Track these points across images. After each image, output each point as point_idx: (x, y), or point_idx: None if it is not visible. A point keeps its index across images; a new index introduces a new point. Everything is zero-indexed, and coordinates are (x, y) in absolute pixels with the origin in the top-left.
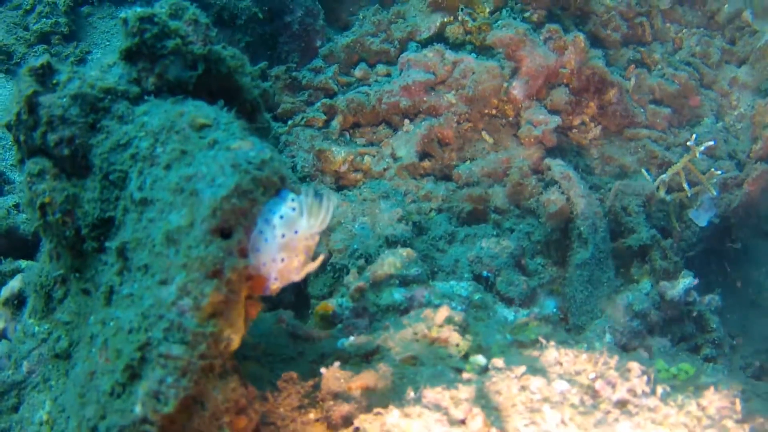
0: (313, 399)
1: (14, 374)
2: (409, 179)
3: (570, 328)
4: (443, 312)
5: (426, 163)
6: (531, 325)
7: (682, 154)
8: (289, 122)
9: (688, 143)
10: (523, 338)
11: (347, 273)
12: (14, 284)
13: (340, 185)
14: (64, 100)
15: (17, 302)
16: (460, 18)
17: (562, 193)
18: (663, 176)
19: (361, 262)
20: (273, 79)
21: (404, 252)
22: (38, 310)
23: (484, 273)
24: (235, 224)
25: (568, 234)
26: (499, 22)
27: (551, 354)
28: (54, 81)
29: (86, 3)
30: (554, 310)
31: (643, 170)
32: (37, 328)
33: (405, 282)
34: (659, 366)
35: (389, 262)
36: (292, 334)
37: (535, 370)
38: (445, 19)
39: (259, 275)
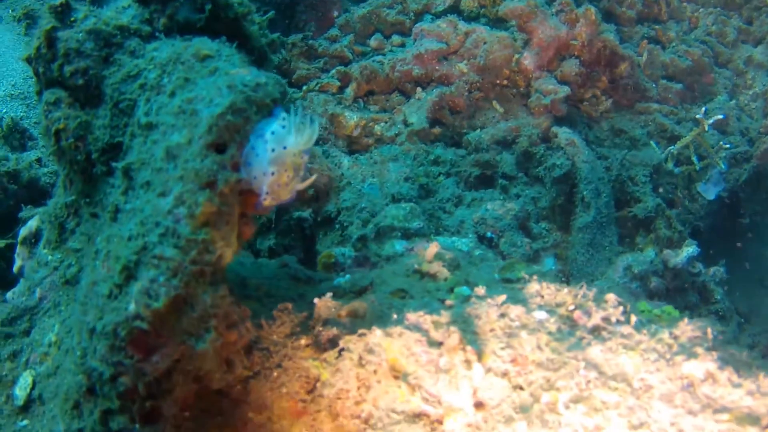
0: (305, 327)
1: (27, 300)
2: (420, 144)
3: None
4: (433, 248)
5: (436, 130)
6: (518, 264)
7: (692, 129)
8: (304, 87)
9: (697, 116)
10: (510, 275)
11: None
12: (32, 223)
13: (352, 149)
14: (81, 35)
15: (34, 240)
16: None
17: (568, 158)
18: (671, 148)
19: (366, 216)
20: (290, 46)
21: (407, 206)
22: (52, 241)
23: (488, 234)
24: (230, 140)
25: (572, 200)
26: None
27: (533, 287)
28: (72, 18)
29: None
30: (552, 267)
31: (651, 142)
32: (50, 257)
33: (407, 235)
34: (642, 306)
35: (392, 215)
36: (294, 277)
37: (517, 300)
38: None
39: (251, 191)
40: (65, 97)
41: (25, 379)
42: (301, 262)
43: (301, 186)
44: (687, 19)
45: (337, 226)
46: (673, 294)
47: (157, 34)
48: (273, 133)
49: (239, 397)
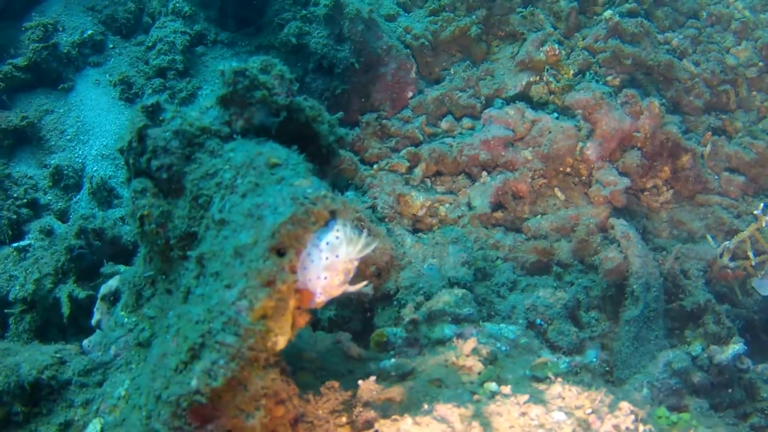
0: (348, 406)
1: (103, 356)
2: (481, 228)
3: (613, 381)
4: (470, 343)
5: (498, 214)
6: (549, 363)
7: (751, 223)
8: (375, 166)
9: (755, 212)
10: (539, 374)
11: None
12: (112, 283)
13: (416, 228)
14: (168, 134)
15: (113, 299)
16: (544, 78)
17: (621, 251)
18: (727, 243)
19: (421, 298)
20: (364, 125)
21: (459, 292)
22: (129, 305)
23: (538, 321)
24: (289, 246)
25: (623, 291)
26: (580, 84)
27: (556, 389)
28: (161, 118)
29: (201, 43)
30: (594, 359)
31: (708, 236)
32: (126, 320)
33: (457, 320)
34: (659, 413)
35: (444, 300)
36: (346, 353)
37: (539, 400)
38: (531, 79)
39: (306, 290)
40: (151, 187)
41: (95, 426)
42: (358, 334)
43: (352, 289)
44: (756, 108)
45: (395, 302)
46: (718, 389)
47: (234, 135)
48: (328, 243)
49: None
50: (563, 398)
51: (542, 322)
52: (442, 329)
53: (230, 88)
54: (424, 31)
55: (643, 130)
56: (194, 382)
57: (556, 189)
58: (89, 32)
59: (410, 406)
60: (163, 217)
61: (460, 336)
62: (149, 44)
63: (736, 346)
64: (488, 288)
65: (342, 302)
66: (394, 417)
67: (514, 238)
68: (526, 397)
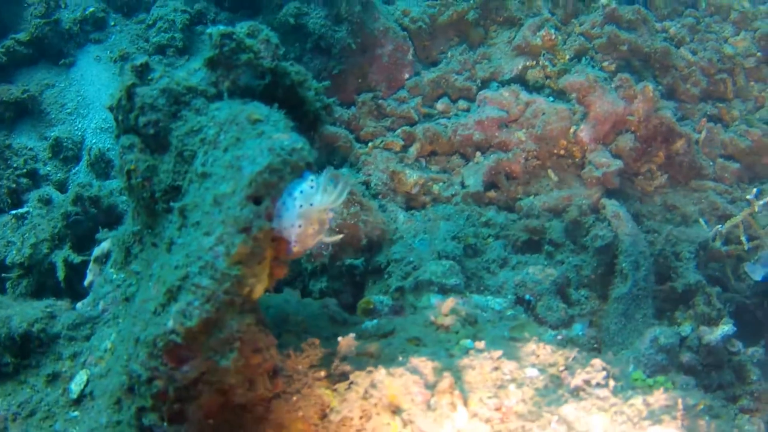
0: (328, 362)
1: (91, 311)
2: (473, 206)
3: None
4: (449, 303)
5: (491, 194)
6: (528, 326)
7: (744, 209)
8: (370, 144)
9: (748, 197)
10: (517, 335)
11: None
12: (105, 245)
13: (410, 206)
14: (155, 92)
15: (105, 260)
16: (541, 63)
17: (611, 230)
18: (719, 227)
19: (410, 269)
20: (360, 104)
21: (447, 263)
22: (118, 262)
23: (527, 296)
24: (265, 194)
25: (613, 270)
26: (575, 68)
27: (530, 346)
28: (150, 77)
29: (200, 22)
30: (581, 333)
31: (700, 219)
32: (114, 276)
33: (443, 289)
34: (635, 375)
35: (431, 270)
36: (332, 318)
37: (512, 356)
38: (528, 63)
39: (281, 238)
40: (138, 143)
41: (81, 377)
42: (348, 306)
43: (327, 240)
44: (753, 98)
45: (385, 276)
46: (707, 370)
47: (220, 95)
48: (302, 192)
49: (261, 415)
50: (537, 355)
51: (531, 298)
52: (428, 298)
53: (217, 50)
54: (421, 14)
55: (637, 113)
56: (170, 323)
57: (549, 170)
58: (91, 9)
59: (386, 361)
60: (149, 171)
61: (460, 306)
62: (150, 22)
63: (725, 327)
64: (478, 264)
65: (333, 275)
66: (369, 369)
67: (506, 216)
68: (499, 353)
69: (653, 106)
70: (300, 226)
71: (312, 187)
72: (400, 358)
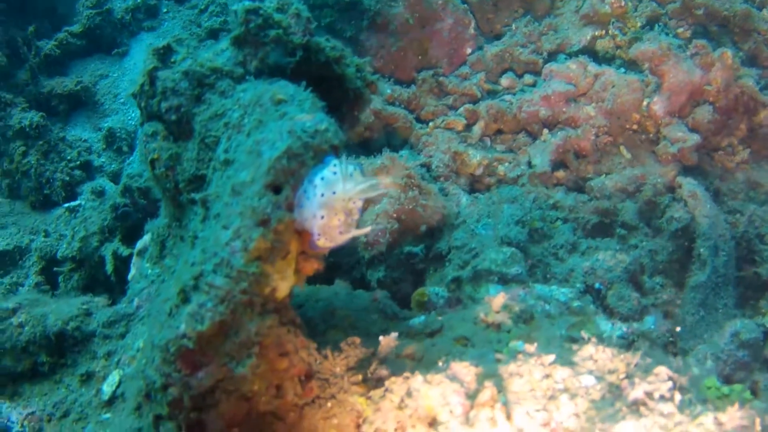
0: (367, 363)
1: (126, 308)
2: (540, 187)
3: (676, 352)
4: (500, 299)
5: (560, 173)
6: (590, 323)
7: None
8: (431, 123)
9: None
10: (575, 334)
11: None
12: (146, 237)
13: (473, 188)
14: (177, 75)
15: (146, 253)
16: (610, 32)
17: (688, 212)
18: None
19: (469, 257)
20: (420, 82)
21: (508, 250)
22: (153, 256)
23: (597, 285)
24: (285, 182)
25: (690, 255)
26: (647, 35)
27: (588, 350)
28: (172, 60)
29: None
30: (652, 326)
31: None
32: (150, 271)
33: (504, 279)
34: (709, 383)
35: (491, 258)
36: (382, 312)
37: (567, 361)
38: (596, 33)
39: (305, 230)
40: (161, 130)
41: (114, 377)
42: (407, 297)
43: (358, 232)
44: None
45: (446, 263)
46: None
47: (248, 76)
48: (323, 178)
49: (293, 422)
50: (595, 360)
51: (601, 286)
52: (487, 289)
53: (243, 28)
54: None
55: (715, 83)
56: (182, 326)
57: (621, 147)
58: None
59: (427, 364)
60: (172, 160)
61: (512, 300)
62: (202, 7)
63: None
64: (545, 249)
65: (392, 263)
66: (405, 374)
67: (575, 198)
68: (551, 357)
69: (733, 74)
70: (323, 217)
71: (335, 173)
72: (440, 363)
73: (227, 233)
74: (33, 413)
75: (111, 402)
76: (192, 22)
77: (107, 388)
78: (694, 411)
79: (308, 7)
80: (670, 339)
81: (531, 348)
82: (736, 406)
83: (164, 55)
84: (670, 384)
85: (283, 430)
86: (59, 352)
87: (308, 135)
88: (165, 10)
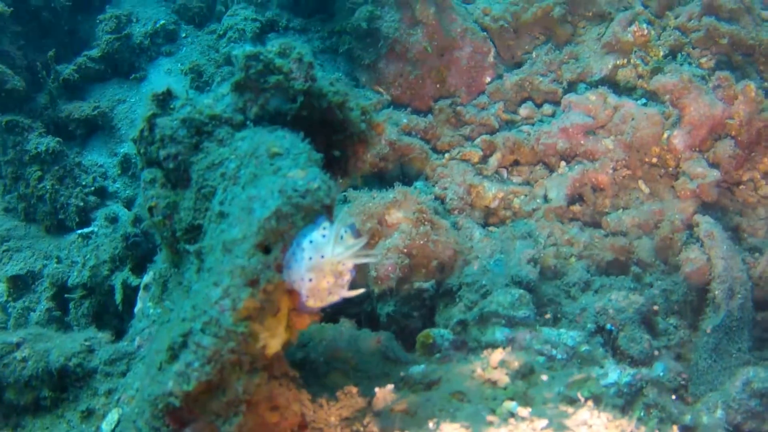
0: (363, 414)
1: (128, 346)
2: (556, 222)
3: (688, 397)
4: (498, 355)
5: (576, 208)
6: (589, 381)
7: None
8: (446, 155)
9: None
10: (571, 393)
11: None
12: (150, 275)
13: (488, 221)
14: (175, 122)
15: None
16: (632, 61)
17: (704, 252)
18: None
19: (477, 297)
20: (437, 111)
21: (516, 292)
22: (156, 296)
23: (608, 326)
24: (274, 242)
25: (705, 296)
26: (668, 67)
27: (582, 414)
28: (172, 106)
29: (272, 30)
30: (662, 372)
31: None
32: (151, 311)
33: (511, 322)
34: None
35: (498, 301)
36: (385, 354)
37: (560, 426)
38: (618, 62)
39: (293, 290)
40: (160, 177)
41: (113, 416)
42: (416, 333)
43: (349, 294)
44: None
45: (457, 299)
46: None
47: (247, 122)
48: (311, 242)
49: None
50: (589, 426)
51: (612, 328)
52: (493, 332)
53: (243, 73)
54: (503, 12)
55: (738, 116)
56: (170, 384)
57: (640, 181)
58: (162, 22)
59: (421, 421)
60: (170, 208)
61: (512, 341)
62: (220, 32)
63: None
64: (557, 288)
65: (403, 298)
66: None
67: (590, 234)
68: (544, 422)
69: (757, 108)
70: (311, 280)
71: (324, 236)
72: (431, 425)
73: (217, 291)
74: None
75: None
76: (210, 47)
77: (106, 427)
78: None
79: (327, 33)
80: (681, 383)
81: (524, 412)
82: None
83: (164, 101)
84: None
85: None
86: (61, 387)
87: (299, 195)
88: (184, 35)
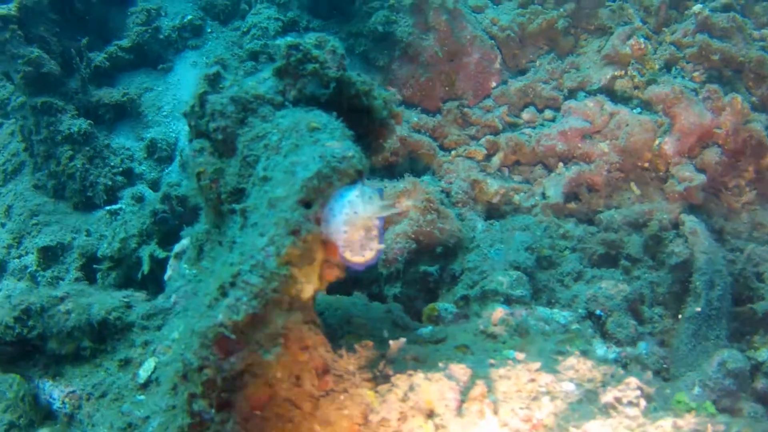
0: (377, 363)
1: (164, 303)
2: (552, 217)
3: (668, 378)
4: (498, 313)
5: (572, 205)
6: (577, 340)
7: None
8: (452, 152)
9: None
10: (561, 348)
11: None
12: (184, 242)
13: (489, 215)
14: (225, 99)
15: (183, 256)
16: (629, 72)
17: (687, 247)
18: None
19: (478, 278)
20: (445, 112)
21: (514, 274)
22: (191, 258)
23: (598, 311)
24: (314, 199)
25: (688, 288)
26: (661, 78)
27: (570, 361)
28: (221, 85)
29: (293, 30)
30: (644, 351)
31: None
32: (187, 272)
33: (509, 300)
34: (679, 398)
35: (498, 281)
36: (394, 322)
37: (551, 369)
38: (616, 73)
39: (330, 241)
40: (208, 146)
41: (149, 364)
42: (421, 313)
43: (381, 247)
44: None
45: (459, 283)
46: None
47: (286, 103)
48: (348, 200)
49: (309, 411)
50: (576, 370)
51: (602, 313)
52: (493, 308)
53: (284, 61)
54: (510, 23)
55: (725, 126)
56: (220, 316)
57: (632, 183)
58: (189, 17)
59: (431, 366)
60: (217, 173)
61: (510, 316)
62: (244, 29)
63: None
64: (552, 276)
65: (408, 281)
66: (409, 372)
67: (584, 229)
68: (537, 364)
69: (742, 119)
70: (346, 232)
71: (358, 196)
72: (441, 365)
73: (263, 240)
74: (73, 392)
75: (146, 386)
76: (234, 43)
77: (143, 373)
78: (657, 416)
79: (345, 34)
80: (664, 365)
81: (521, 356)
82: (694, 413)
83: (214, 80)
84: (638, 392)
85: (299, 417)
86: (101, 338)
87: (336, 160)
88: (209, 30)
